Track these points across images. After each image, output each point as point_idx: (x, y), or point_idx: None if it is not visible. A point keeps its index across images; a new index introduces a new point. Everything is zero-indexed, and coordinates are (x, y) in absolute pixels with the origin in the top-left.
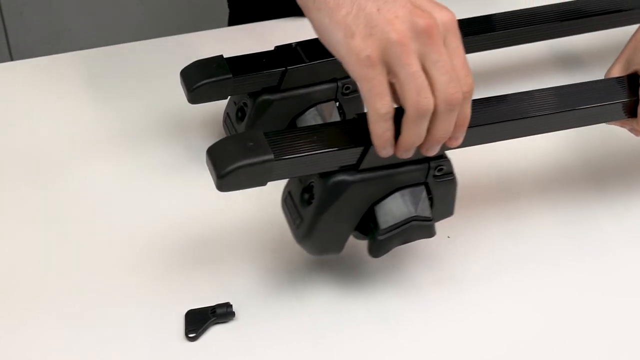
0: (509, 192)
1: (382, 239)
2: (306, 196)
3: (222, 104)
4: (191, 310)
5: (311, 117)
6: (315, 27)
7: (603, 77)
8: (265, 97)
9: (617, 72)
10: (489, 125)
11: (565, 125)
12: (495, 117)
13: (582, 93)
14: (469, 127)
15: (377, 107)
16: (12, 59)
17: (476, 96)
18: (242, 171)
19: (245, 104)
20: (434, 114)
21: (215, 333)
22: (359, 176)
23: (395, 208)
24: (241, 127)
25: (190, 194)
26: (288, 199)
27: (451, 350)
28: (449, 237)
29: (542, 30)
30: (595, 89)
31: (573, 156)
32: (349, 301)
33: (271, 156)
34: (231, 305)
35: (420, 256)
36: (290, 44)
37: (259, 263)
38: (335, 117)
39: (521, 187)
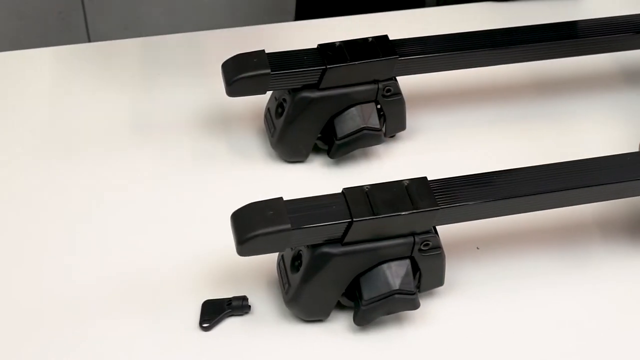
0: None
1: (364, 309)
2: (296, 263)
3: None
4: (208, 300)
5: (349, 117)
6: None
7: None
8: (304, 94)
9: None
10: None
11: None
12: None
13: (610, 167)
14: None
15: None
16: (89, 42)
17: (538, 104)
18: (260, 239)
19: (284, 99)
20: None
21: (229, 325)
22: (342, 249)
23: (378, 281)
24: (279, 123)
25: (220, 186)
26: (281, 263)
27: None
28: (478, 248)
29: (614, 41)
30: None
31: None
32: None
33: (288, 226)
34: (247, 299)
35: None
36: (333, 43)
37: None
38: (374, 119)
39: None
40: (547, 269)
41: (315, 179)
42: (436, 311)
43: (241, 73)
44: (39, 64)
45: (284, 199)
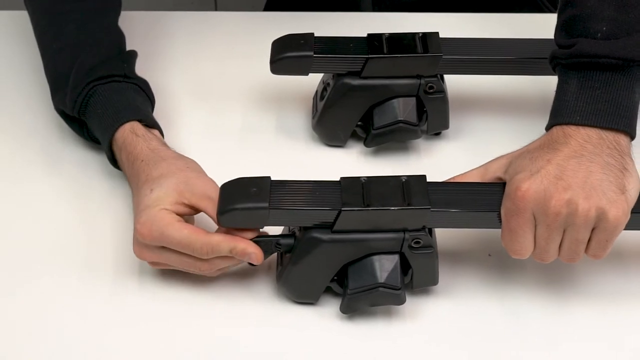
0: None
1: (349, 298)
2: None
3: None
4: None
5: (389, 109)
6: None
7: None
8: (345, 80)
9: (496, 166)
10: None
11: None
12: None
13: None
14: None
15: None
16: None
17: None
18: (239, 213)
19: (329, 84)
20: None
21: (223, 297)
22: (331, 236)
23: (365, 272)
24: (321, 106)
25: (258, 158)
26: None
27: None
28: (489, 255)
29: None
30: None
31: None
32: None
33: (266, 204)
34: (294, 236)
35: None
36: (382, 34)
37: None
38: (412, 114)
39: None
40: (553, 285)
41: (349, 164)
42: (426, 309)
43: (285, 53)
44: (133, 24)
45: (310, 179)
